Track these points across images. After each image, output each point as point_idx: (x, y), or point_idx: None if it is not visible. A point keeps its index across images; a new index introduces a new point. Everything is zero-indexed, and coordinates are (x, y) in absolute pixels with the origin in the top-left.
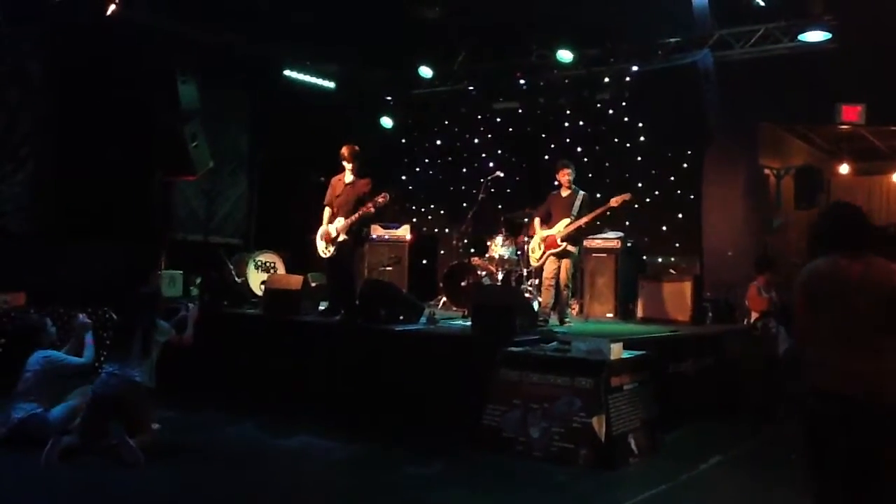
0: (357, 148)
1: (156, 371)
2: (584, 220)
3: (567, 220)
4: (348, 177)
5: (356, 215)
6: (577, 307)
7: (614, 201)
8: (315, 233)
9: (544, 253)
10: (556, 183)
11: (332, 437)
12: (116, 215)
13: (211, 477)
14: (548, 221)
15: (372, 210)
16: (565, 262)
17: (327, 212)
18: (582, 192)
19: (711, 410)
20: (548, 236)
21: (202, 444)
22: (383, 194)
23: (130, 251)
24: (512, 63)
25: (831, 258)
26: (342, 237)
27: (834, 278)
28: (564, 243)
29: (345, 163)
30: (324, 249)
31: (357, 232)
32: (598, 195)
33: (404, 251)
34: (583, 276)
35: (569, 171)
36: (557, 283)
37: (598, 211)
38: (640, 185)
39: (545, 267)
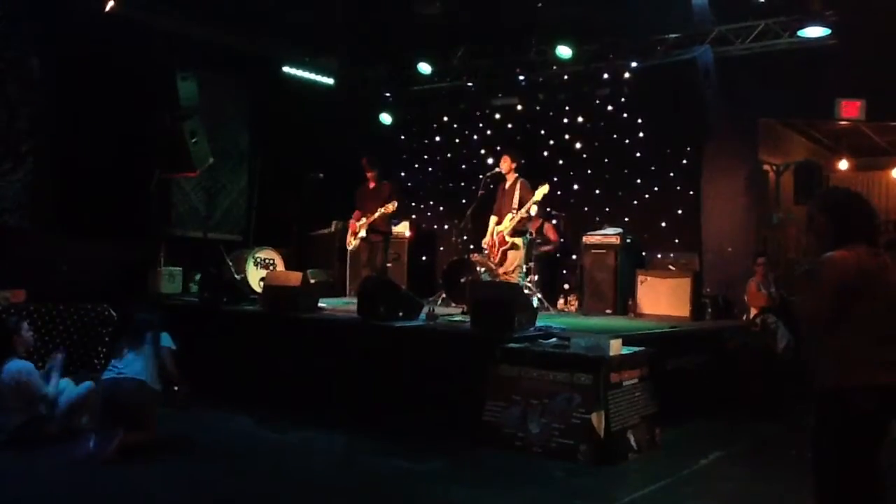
0: (373, 157)
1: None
2: (520, 214)
3: (511, 215)
4: (372, 183)
5: (375, 214)
6: (575, 303)
7: (537, 194)
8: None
9: (499, 250)
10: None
11: (331, 433)
12: (116, 212)
13: (211, 473)
14: (500, 214)
15: (390, 209)
16: (511, 255)
17: (357, 213)
18: (521, 179)
19: (711, 406)
20: (499, 233)
21: (201, 440)
22: (393, 202)
23: (130, 248)
24: (511, 59)
25: (858, 251)
26: (373, 236)
27: (878, 273)
28: (511, 239)
29: (367, 172)
30: (348, 240)
31: (387, 232)
32: (597, 191)
33: (404, 248)
34: (582, 272)
35: (507, 157)
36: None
37: (528, 205)
38: (639, 181)
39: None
